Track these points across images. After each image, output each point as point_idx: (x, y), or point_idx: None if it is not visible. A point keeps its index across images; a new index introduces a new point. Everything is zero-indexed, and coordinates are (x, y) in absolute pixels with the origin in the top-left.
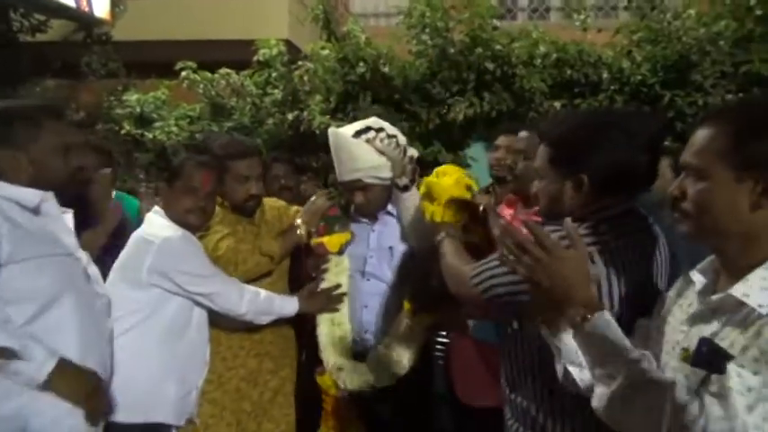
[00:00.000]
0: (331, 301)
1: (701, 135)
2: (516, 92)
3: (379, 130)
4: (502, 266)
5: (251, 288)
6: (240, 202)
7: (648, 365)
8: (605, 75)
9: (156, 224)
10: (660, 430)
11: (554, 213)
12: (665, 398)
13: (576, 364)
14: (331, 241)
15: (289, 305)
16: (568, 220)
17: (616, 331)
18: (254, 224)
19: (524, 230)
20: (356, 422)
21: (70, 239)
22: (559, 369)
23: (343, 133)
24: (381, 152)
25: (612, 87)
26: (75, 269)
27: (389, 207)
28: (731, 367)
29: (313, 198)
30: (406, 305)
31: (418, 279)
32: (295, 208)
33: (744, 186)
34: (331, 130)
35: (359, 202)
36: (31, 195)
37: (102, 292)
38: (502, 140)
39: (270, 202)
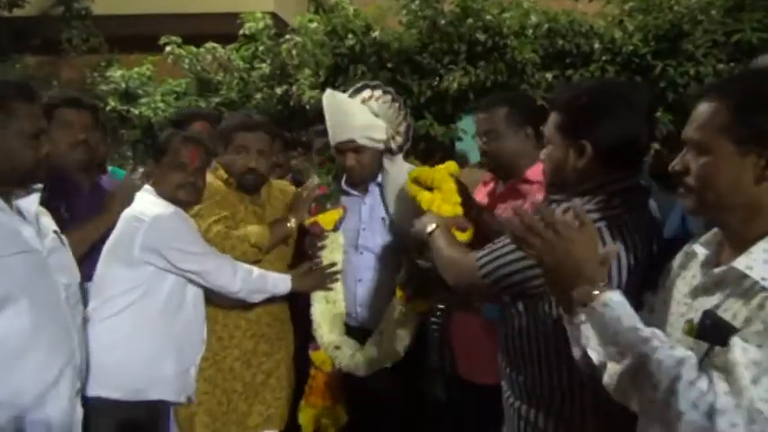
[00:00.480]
0: (324, 279)
1: (703, 109)
2: (508, 63)
3: (375, 87)
4: (511, 252)
5: (244, 266)
6: (238, 174)
7: (659, 343)
8: (597, 45)
9: (147, 202)
10: (670, 406)
11: (559, 181)
12: (676, 372)
13: (595, 349)
14: (325, 219)
15: (282, 283)
16: (577, 200)
17: (627, 309)
18: (257, 204)
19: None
20: (341, 400)
21: (29, 231)
22: (576, 352)
23: (339, 94)
24: (376, 114)
25: (604, 58)
26: (31, 265)
27: (379, 178)
28: (735, 340)
29: (299, 190)
30: (399, 293)
31: (409, 266)
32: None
33: (747, 160)
34: (327, 92)
35: (350, 165)
36: None
37: (67, 281)
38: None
39: (279, 185)
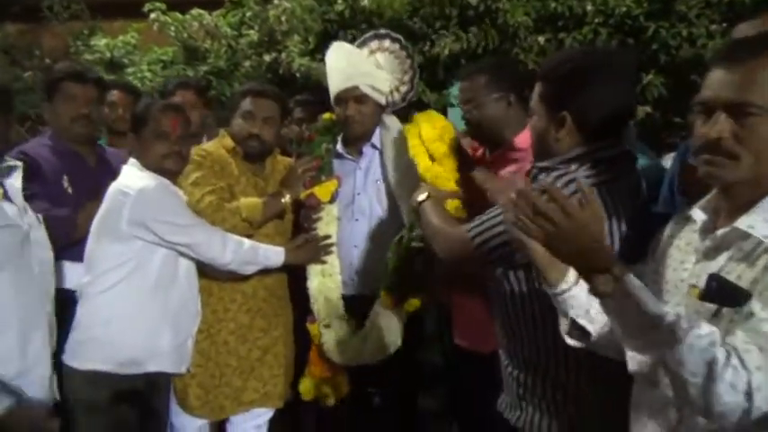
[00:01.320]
0: (319, 251)
1: (750, 66)
2: (500, 27)
3: (383, 36)
4: (497, 218)
5: (234, 237)
6: (240, 139)
7: (687, 325)
8: (589, 7)
9: (132, 175)
10: (705, 388)
11: (543, 151)
12: (708, 357)
13: (586, 318)
14: (321, 190)
15: (274, 256)
16: (581, 180)
17: (646, 292)
18: (260, 177)
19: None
20: (341, 370)
21: (11, 207)
22: (563, 324)
23: (346, 44)
24: (381, 68)
25: (596, 20)
26: (14, 238)
27: (375, 139)
28: (756, 309)
29: (294, 165)
30: (385, 298)
31: (395, 268)
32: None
33: None
34: (334, 44)
35: (351, 115)
36: None
37: (44, 256)
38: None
39: (285, 161)
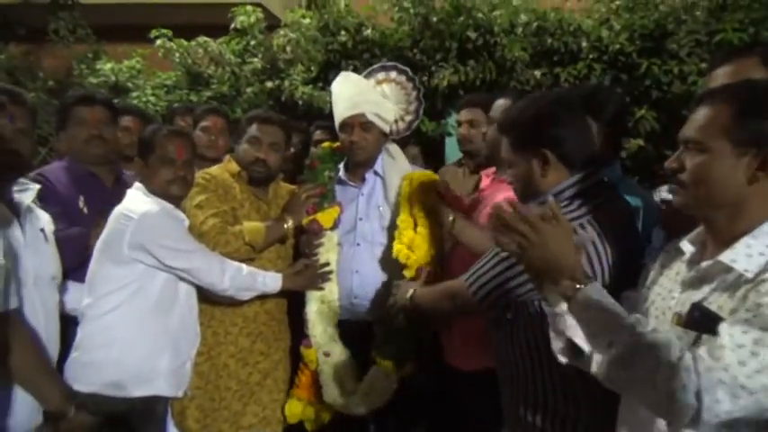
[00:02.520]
0: (317, 278)
1: (704, 112)
2: (497, 61)
3: (390, 68)
4: (493, 267)
5: (233, 263)
6: (246, 163)
7: (644, 328)
8: (584, 44)
9: (136, 200)
10: (659, 387)
11: (530, 195)
12: (663, 356)
13: (580, 337)
14: (324, 217)
15: (272, 282)
16: (551, 197)
17: (608, 298)
18: (262, 200)
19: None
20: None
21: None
22: (556, 344)
23: (352, 74)
24: (386, 98)
25: (591, 56)
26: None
27: (377, 166)
28: (722, 327)
29: (297, 191)
30: (383, 363)
31: (386, 337)
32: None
33: (742, 161)
34: (341, 74)
35: (356, 141)
36: None
37: (42, 272)
38: (464, 115)
39: (288, 188)
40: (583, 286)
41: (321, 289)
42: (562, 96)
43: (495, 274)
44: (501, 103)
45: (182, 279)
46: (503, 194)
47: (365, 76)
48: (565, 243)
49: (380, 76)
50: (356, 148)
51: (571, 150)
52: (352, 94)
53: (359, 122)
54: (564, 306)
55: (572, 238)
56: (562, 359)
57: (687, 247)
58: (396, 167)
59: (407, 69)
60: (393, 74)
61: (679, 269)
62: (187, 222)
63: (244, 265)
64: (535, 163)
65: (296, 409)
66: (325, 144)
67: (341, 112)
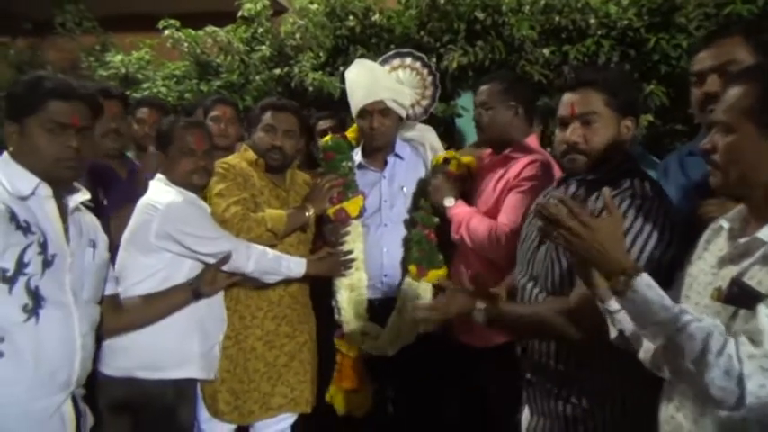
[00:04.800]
0: (339, 265)
1: (731, 92)
2: (506, 40)
3: (405, 55)
4: None
5: (258, 247)
6: (262, 151)
7: (689, 318)
8: (592, 20)
9: (159, 190)
10: (703, 375)
11: (614, 156)
12: (706, 346)
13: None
14: (350, 206)
15: (296, 266)
16: (606, 189)
17: (657, 291)
18: (281, 187)
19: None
20: (368, 382)
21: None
22: (612, 332)
23: (368, 61)
24: (402, 83)
25: (599, 33)
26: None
27: (397, 148)
28: (761, 308)
29: (319, 181)
30: (412, 269)
31: (420, 240)
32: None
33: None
34: (356, 61)
35: (375, 126)
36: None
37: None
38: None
39: (304, 176)
40: (630, 280)
41: (343, 275)
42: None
43: None
44: (484, 88)
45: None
46: (517, 167)
47: (381, 63)
48: (614, 236)
49: (396, 62)
50: (376, 134)
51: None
52: (370, 81)
53: (378, 109)
54: (615, 304)
55: (621, 228)
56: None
57: (726, 224)
58: (431, 145)
59: (423, 56)
60: (408, 60)
61: (722, 245)
62: (210, 211)
63: (269, 249)
64: (624, 125)
65: (340, 398)
66: (326, 138)
67: (359, 99)
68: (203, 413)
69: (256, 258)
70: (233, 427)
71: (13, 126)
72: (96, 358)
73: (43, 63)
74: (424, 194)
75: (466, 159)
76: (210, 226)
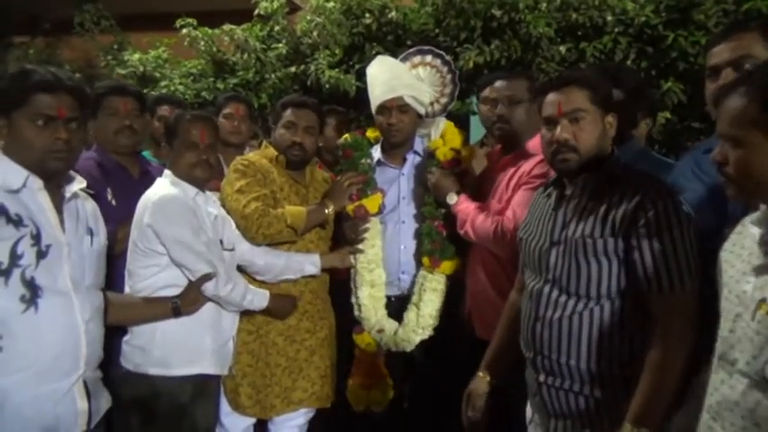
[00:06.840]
0: (347, 257)
1: (733, 104)
2: (522, 38)
3: (426, 52)
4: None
5: (240, 280)
6: (283, 147)
7: None
8: (609, 17)
9: (161, 185)
10: None
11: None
12: None
13: None
14: (369, 203)
15: (258, 301)
16: None
17: None
18: (300, 184)
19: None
20: (386, 378)
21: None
22: None
23: (389, 58)
24: (422, 81)
25: (617, 30)
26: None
27: (416, 146)
28: None
29: (339, 179)
30: (425, 261)
31: (431, 233)
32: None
33: None
34: (377, 57)
35: (394, 123)
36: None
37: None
38: (487, 93)
39: (323, 174)
40: None
41: (351, 266)
42: None
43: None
44: (516, 82)
45: (219, 260)
46: (529, 164)
47: (401, 60)
48: None
49: (416, 59)
50: (394, 130)
51: None
52: (389, 77)
53: (396, 105)
54: None
55: None
56: None
57: (754, 229)
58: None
59: (443, 53)
60: (429, 57)
61: (752, 250)
62: (213, 211)
63: (242, 280)
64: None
65: (358, 393)
66: (346, 136)
67: (378, 95)
68: (224, 407)
69: (230, 288)
70: (253, 420)
71: (1, 121)
72: (117, 353)
73: (62, 62)
74: (426, 189)
75: (451, 143)
76: (195, 239)
